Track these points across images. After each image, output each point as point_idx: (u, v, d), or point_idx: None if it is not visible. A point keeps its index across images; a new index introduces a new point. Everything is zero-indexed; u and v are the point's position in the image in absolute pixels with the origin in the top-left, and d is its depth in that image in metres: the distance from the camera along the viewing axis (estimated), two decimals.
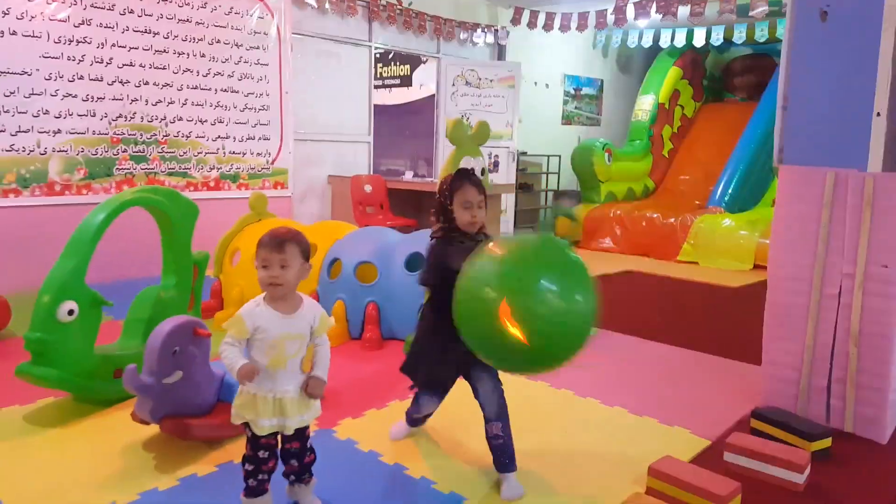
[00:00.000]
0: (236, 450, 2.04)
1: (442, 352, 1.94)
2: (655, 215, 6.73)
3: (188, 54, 4.82)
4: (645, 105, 8.20)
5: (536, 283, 1.53)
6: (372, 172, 6.30)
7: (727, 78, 8.87)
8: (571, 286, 1.57)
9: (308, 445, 1.76)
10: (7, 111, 4.06)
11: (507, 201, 7.38)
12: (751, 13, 6.19)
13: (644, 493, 1.92)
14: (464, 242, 1.94)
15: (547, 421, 2.49)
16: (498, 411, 1.94)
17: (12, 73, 4.05)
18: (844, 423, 2.44)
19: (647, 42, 7.94)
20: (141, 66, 4.60)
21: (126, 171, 4.62)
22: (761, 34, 7.18)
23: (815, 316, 2.47)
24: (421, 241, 3.35)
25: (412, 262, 3.38)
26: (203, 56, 4.89)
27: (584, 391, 2.78)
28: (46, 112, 4.22)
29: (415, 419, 2.23)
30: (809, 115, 2.48)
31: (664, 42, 7.85)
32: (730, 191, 7.01)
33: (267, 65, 5.25)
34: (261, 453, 1.69)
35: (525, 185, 7.89)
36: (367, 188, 5.45)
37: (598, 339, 3.53)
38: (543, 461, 2.13)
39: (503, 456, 1.94)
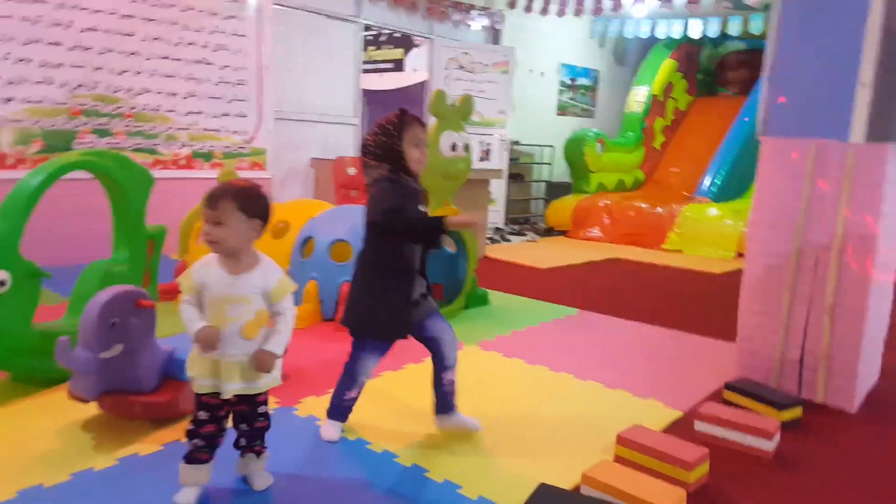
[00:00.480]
0: (184, 428, 1.88)
1: (406, 300, 1.90)
2: (643, 205, 6.75)
3: (157, 21, 4.51)
4: (639, 97, 8.04)
5: None
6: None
7: (721, 72, 8.74)
8: None
9: (260, 411, 1.65)
10: None
11: (498, 191, 7.14)
12: (746, 0, 6.01)
13: (612, 461, 1.88)
14: (409, 184, 1.90)
15: (520, 394, 2.45)
16: (456, 358, 2.03)
17: None
18: (816, 394, 2.47)
19: (644, 33, 7.76)
20: (105, 31, 4.29)
21: (88, 144, 4.31)
22: (756, 26, 7.02)
23: (792, 288, 2.48)
24: None
25: None
26: (174, 24, 4.59)
27: (559, 367, 2.75)
28: None
29: (346, 407, 2.02)
30: (795, 86, 2.46)
31: (660, 33, 7.67)
32: (717, 182, 6.98)
33: (244, 36, 4.95)
34: (200, 413, 1.59)
35: (517, 175, 7.67)
36: (352, 171, 5.16)
37: (578, 319, 3.53)
38: (514, 432, 2.10)
39: (454, 397, 2.04)
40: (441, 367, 2.01)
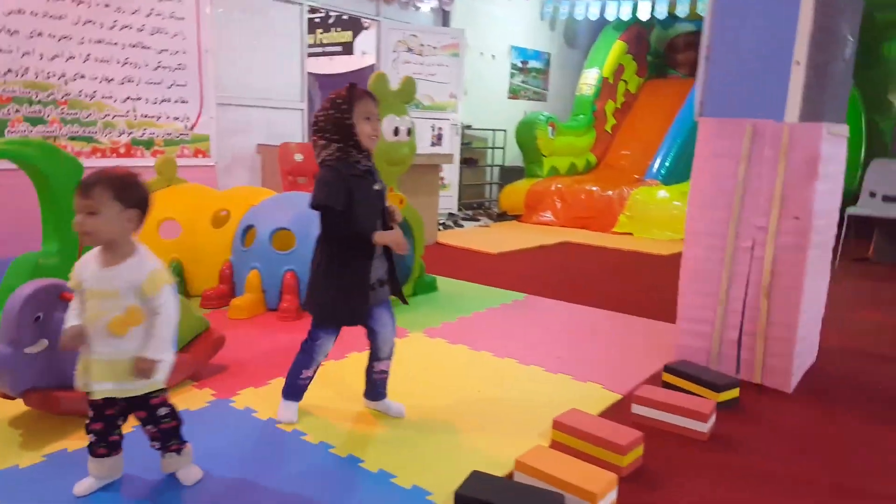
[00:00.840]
0: None
1: (360, 286, 1.88)
2: (594, 188, 6.83)
3: (89, 3, 4.34)
4: (589, 79, 8.13)
5: None
6: (307, 141, 5.94)
7: (670, 54, 8.89)
8: None
9: (160, 413, 1.59)
10: None
11: (452, 176, 7.16)
12: None
13: (549, 446, 1.89)
14: (360, 163, 1.86)
15: (462, 381, 2.45)
16: (392, 349, 2.06)
17: None
18: (753, 375, 2.49)
19: (594, 14, 7.84)
20: (33, 14, 4.10)
21: (20, 133, 4.14)
22: (703, 8, 7.17)
23: (729, 270, 2.51)
24: None
25: None
26: (107, 6, 4.42)
27: (503, 352, 2.76)
28: None
29: (301, 385, 2.03)
30: (731, 66, 2.48)
31: (610, 15, 7.77)
32: (667, 164, 7.12)
33: (183, 19, 4.81)
34: (89, 411, 1.57)
35: (470, 160, 7.70)
36: (299, 157, 5.10)
37: (525, 304, 3.59)
38: (453, 419, 2.11)
39: (383, 387, 2.10)
40: (374, 356, 2.04)
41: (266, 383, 2.32)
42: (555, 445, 1.90)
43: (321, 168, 1.86)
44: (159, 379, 1.54)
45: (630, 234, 6.27)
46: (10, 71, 4.07)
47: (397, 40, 6.44)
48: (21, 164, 2.47)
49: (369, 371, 2.07)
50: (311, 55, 6.97)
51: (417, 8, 6.81)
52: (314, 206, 1.83)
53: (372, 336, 2.02)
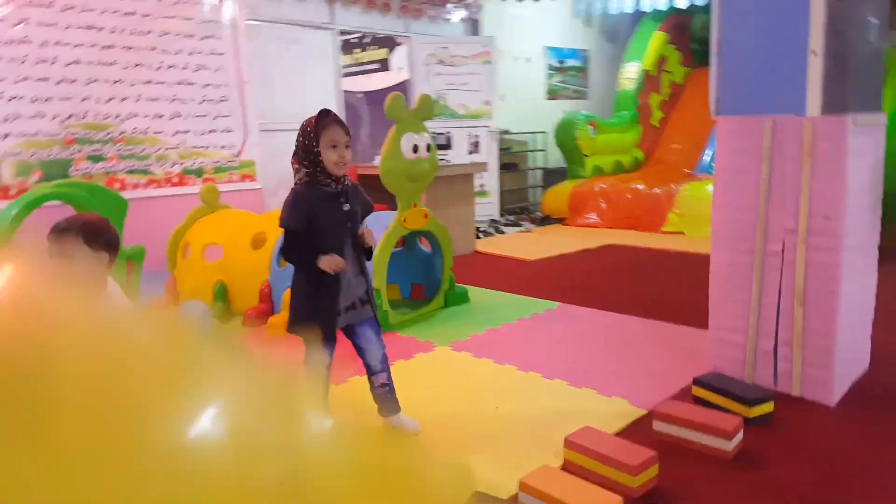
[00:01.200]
0: None
1: (320, 302, 1.95)
2: (640, 187, 6.59)
3: (137, 48, 4.71)
4: (630, 73, 7.94)
5: None
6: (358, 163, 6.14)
7: None
8: None
9: None
10: None
11: (491, 182, 7.19)
12: None
13: (561, 465, 1.87)
14: (329, 186, 1.93)
15: (483, 396, 2.42)
16: (383, 362, 2.09)
17: None
18: (792, 387, 2.34)
19: (630, 7, 7.68)
20: (88, 63, 4.50)
21: (84, 171, 4.54)
22: None
23: (759, 275, 2.37)
24: (375, 221, 3.21)
25: None
26: (154, 49, 4.78)
27: (527, 366, 2.72)
28: None
29: None
30: (744, 61, 2.38)
31: (646, 5, 7.58)
32: None
33: (222, 54, 5.12)
34: None
35: (510, 165, 7.70)
36: None
37: (557, 314, 3.54)
38: (466, 435, 2.10)
39: (391, 401, 2.11)
40: (369, 371, 2.12)
41: None
42: (567, 465, 1.85)
43: (290, 191, 1.97)
44: None
45: (682, 233, 5.95)
46: (72, 115, 4.47)
47: (428, 54, 6.55)
48: (70, 203, 2.73)
49: (372, 388, 2.12)
50: (350, 74, 7.22)
51: (447, 20, 6.91)
52: (280, 226, 1.94)
53: (361, 353, 2.09)
